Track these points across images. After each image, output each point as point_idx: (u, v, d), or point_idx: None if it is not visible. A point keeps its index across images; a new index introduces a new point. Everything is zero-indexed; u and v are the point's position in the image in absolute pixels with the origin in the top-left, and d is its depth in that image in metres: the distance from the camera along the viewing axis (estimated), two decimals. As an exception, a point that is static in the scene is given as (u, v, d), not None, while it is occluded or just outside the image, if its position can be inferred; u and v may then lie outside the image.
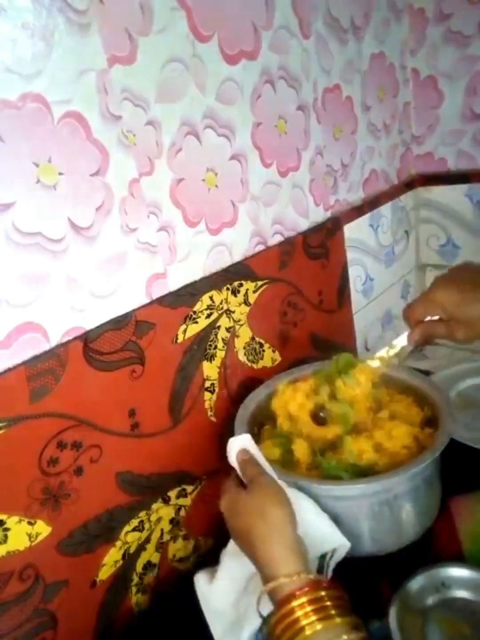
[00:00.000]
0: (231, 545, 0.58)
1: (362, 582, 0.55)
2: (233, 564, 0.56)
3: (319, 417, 0.67)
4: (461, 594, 0.61)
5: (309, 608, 0.43)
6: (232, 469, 0.59)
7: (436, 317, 0.63)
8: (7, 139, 0.49)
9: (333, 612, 0.43)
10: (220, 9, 0.67)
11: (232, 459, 0.59)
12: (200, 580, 0.57)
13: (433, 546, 0.67)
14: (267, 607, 0.47)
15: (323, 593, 0.44)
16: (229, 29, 0.68)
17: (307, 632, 0.42)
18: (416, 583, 0.61)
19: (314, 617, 0.42)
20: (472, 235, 1.16)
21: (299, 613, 0.43)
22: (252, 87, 0.74)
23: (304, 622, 0.42)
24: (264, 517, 0.50)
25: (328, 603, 0.43)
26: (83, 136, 0.55)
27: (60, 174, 0.54)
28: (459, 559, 0.65)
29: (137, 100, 0.60)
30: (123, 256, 0.61)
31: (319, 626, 0.42)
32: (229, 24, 0.68)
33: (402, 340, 0.67)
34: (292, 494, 0.55)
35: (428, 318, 0.63)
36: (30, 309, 0.54)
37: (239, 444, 0.59)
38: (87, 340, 0.58)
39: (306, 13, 0.81)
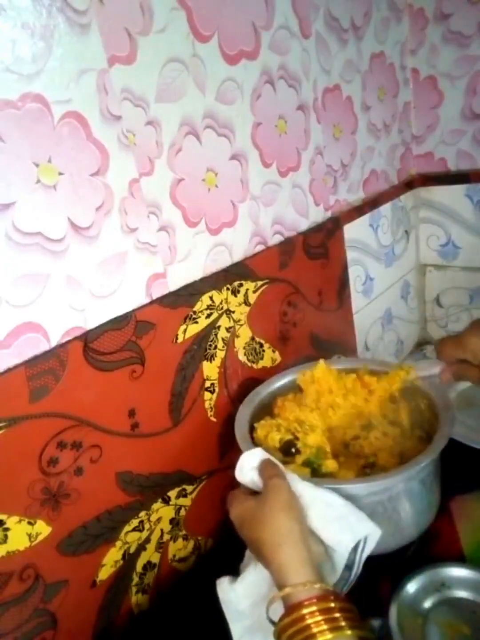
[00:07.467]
0: None
1: (362, 582, 0.55)
2: (254, 567, 0.55)
3: (289, 452, 0.65)
4: (461, 594, 0.61)
5: (319, 617, 0.43)
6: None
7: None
8: (7, 139, 0.49)
9: (343, 623, 0.43)
10: (220, 9, 0.67)
11: (245, 474, 0.57)
12: (223, 580, 0.57)
13: (433, 546, 0.67)
14: (276, 613, 0.47)
15: (332, 604, 0.44)
16: (229, 29, 0.68)
17: (319, 639, 0.42)
18: (416, 583, 0.61)
19: (325, 626, 0.43)
20: (472, 235, 1.16)
21: (309, 620, 0.43)
22: (252, 87, 0.74)
23: (315, 630, 0.42)
24: (272, 525, 0.49)
25: (338, 614, 0.44)
26: (83, 136, 0.55)
27: (60, 174, 0.54)
28: (459, 559, 0.65)
29: (137, 100, 0.60)
30: (123, 256, 0.61)
31: (329, 635, 0.42)
32: (229, 24, 0.68)
33: (422, 368, 0.68)
34: (315, 490, 0.54)
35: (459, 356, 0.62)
36: (30, 309, 0.54)
37: (254, 459, 0.57)
38: (87, 340, 0.58)
39: (306, 13, 0.81)
